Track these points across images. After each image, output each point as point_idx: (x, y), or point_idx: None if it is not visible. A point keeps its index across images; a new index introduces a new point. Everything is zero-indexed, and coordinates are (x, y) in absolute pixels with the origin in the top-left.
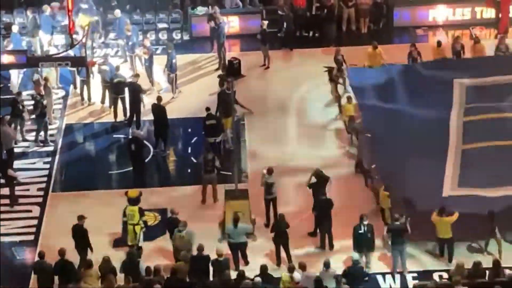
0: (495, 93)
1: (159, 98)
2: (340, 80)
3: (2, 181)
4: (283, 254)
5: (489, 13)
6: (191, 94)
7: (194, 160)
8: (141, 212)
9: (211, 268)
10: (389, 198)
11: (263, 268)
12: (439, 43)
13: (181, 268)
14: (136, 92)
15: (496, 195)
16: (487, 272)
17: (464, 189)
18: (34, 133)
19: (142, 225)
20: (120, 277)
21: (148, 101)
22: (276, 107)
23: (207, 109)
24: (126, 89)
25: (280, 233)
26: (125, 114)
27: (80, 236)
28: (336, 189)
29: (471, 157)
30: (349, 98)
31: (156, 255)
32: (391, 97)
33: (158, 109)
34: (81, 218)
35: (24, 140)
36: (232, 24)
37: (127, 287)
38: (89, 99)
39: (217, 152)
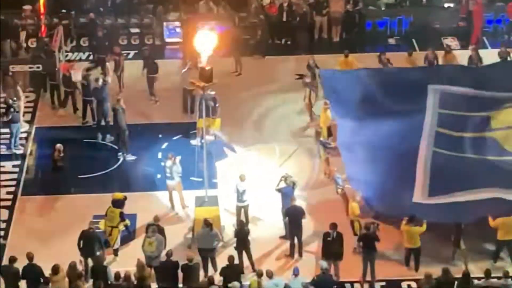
0: (465, 105)
1: (117, 100)
2: (313, 88)
3: None
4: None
5: (461, 23)
6: (162, 100)
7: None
8: (122, 216)
9: (180, 274)
10: (359, 208)
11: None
12: (410, 53)
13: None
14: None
15: (467, 199)
16: (456, 281)
17: (434, 198)
18: (3, 136)
19: (122, 228)
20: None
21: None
22: (247, 114)
23: None
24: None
25: (241, 241)
26: (93, 118)
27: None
28: (307, 197)
29: (441, 160)
30: (326, 105)
31: (127, 260)
32: (363, 101)
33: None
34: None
35: None
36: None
37: None
38: (60, 103)
39: None
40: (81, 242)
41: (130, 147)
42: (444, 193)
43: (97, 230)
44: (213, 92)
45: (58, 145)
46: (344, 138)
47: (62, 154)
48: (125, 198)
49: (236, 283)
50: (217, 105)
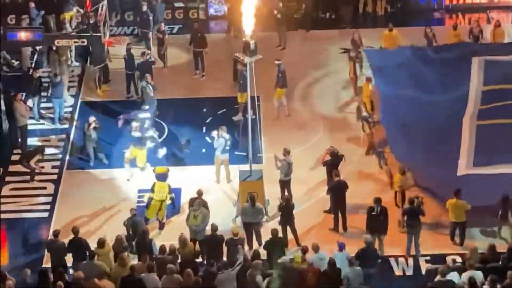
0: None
1: (145, 78)
2: (358, 62)
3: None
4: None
5: None
6: (207, 74)
7: (209, 141)
8: (170, 189)
9: (225, 248)
10: (403, 181)
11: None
12: (455, 26)
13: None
14: (145, 69)
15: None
16: (501, 256)
17: (478, 168)
18: (49, 111)
19: (169, 201)
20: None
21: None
22: (291, 88)
23: None
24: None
25: (285, 215)
26: (137, 92)
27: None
28: (351, 171)
29: (485, 133)
30: (368, 79)
31: (172, 234)
32: (407, 78)
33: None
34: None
35: (40, 117)
36: None
37: (140, 265)
38: (106, 77)
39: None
40: (131, 230)
41: (173, 121)
42: (488, 164)
43: (141, 204)
44: (279, 62)
45: (91, 118)
46: (388, 113)
47: (97, 126)
48: (168, 170)
49: (285, 257)
50: (279, 75)
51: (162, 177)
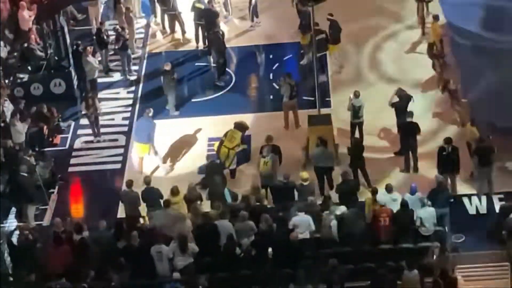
0: None
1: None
2: (425, 2)
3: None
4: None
5: None
6: (270, 21)
7: (276, 87)
8: (242, 139)
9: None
10: (475, 131)
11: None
12: None
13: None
14: (212, 18)
15: None
16: None
17: None
18: (117, 63)
19: (239, 149)
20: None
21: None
22: (357, 31)
23: None
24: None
25: (356, 157)
26: (204, 42)
27: None
28: (420, 111)
29: None
30: (435, 18)
31: (244, 181)
32: (480, 15)
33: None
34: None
35: (108, 70)
36: None
37: (213, 213)
38: (171, 28)
39: None
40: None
41: (240, 69)
42: None
43: (211, 153)
44: (331, 17)
45: (168, 66)
46: (459, 49)
47: (176, 76)
48: (247, 128)
49: (342, 207)
50: (331, 31)
51: (240, 127)
